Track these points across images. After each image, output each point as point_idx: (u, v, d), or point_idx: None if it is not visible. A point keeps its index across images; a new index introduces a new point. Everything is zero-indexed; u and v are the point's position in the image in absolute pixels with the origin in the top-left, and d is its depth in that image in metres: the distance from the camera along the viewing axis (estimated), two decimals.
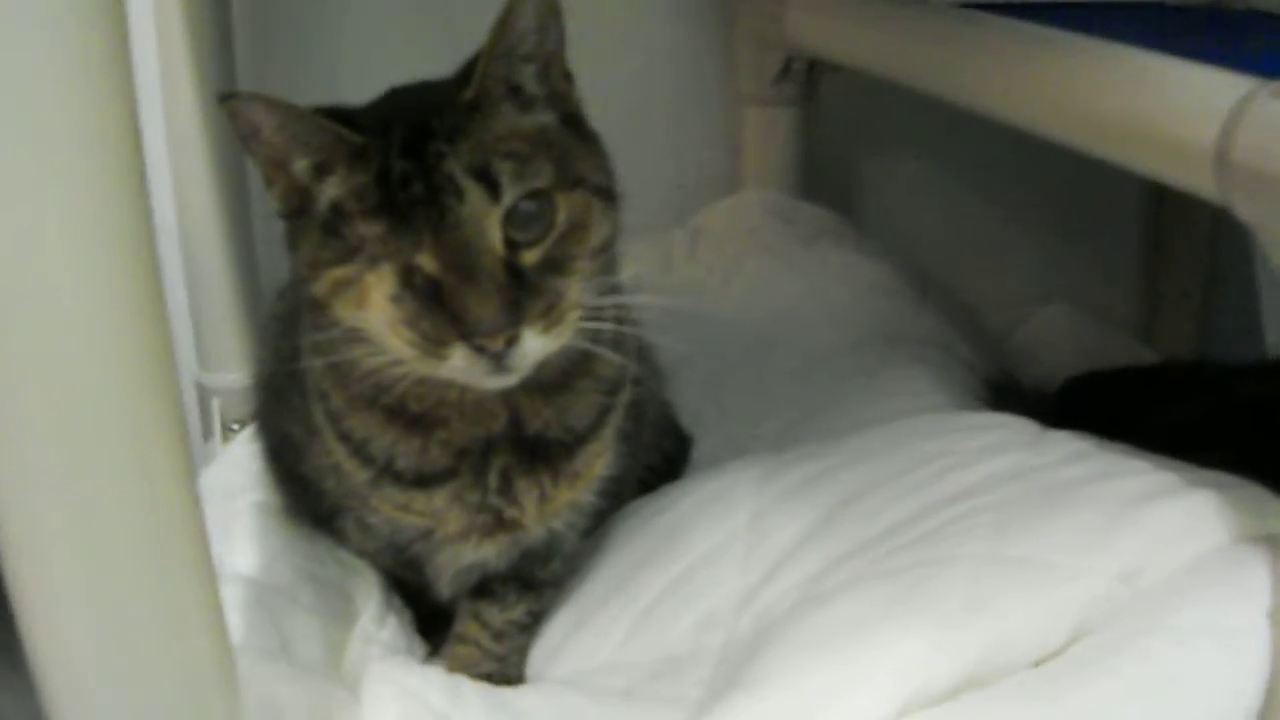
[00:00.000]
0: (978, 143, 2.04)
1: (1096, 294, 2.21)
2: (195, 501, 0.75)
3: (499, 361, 0.94)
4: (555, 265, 0.96)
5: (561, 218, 0.96)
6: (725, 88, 2.00)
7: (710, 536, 1.22)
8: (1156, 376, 1.83)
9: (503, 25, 0.96)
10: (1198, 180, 1.01)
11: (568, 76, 1.03)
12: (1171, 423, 1.48)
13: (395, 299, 0.95)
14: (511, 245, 0.94)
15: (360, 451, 1.09)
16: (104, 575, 0.70)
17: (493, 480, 1.09)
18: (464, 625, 1.23)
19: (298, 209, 1.00)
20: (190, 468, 0.74)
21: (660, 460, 1.42)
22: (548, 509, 1.12)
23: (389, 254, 0.94)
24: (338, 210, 0.96)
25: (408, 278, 0.94)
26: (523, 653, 1.24)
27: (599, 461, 1.15)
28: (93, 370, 0.66)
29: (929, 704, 0.92)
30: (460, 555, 1.15)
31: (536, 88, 1.00)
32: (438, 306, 0.93)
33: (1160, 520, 1.03)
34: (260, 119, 0.96)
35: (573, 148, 1.00)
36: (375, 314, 0.96)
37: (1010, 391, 1.71)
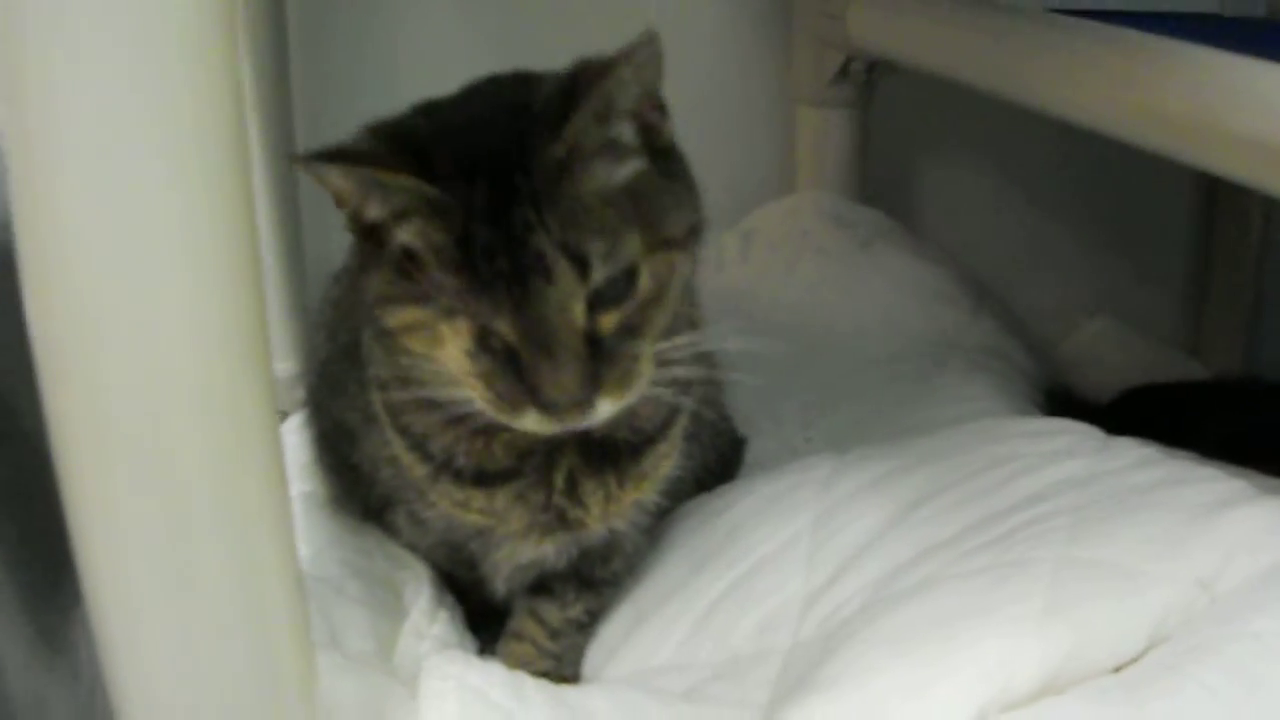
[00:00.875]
0: (1030, 150, 2.03)
1: (1143, 307, 2.20)
2: (284, 497, 0.73)
3: (570, 426, 0.94)
4: (633, 329, 0.94)
5: (644, 285, 0.94)
6: (781, 88, 1.98)
7: (773, 537, 1.21)
8: (1211, 390, 1.82)
9: (603, 77, 0.91)
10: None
11: (662, 108, 0.99)
12: (1227, 435, 1.47)
13: (470, 354, 0.93)
14: (591, 313, 0.92)
15: (419, 447, 1.08)
16: (187, 575, 0.68)
17: (558, 481, 1.08)
18: (520, 622, 1.22)
19: (365, 233, 0.97)
20: (281, 464, 0.73)
21: (716, 460, 1.40)
22: (612, 509, 1.11)
23: (466, 313, 0.92)
24: (411, 255, 0.94)
25: (484, 338, 0.92)
26: (579, 651, 1.23)
27: (666, 462, 1.13)
28: (189, 360, 0.65)
29: (1007, 708, 0.90)
30: (518, 553, 1.14)
31: (632, 138, 0.96)
32: (513, 370, 0.92)
33: (1236, 527, 1.01)
34: (331, 180, 0.94)
35: (662, 196, 0.96)
36: (449, 360, 0.95)
37: (1067, 401, 1.70)
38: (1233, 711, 0.88)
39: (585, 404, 0.92)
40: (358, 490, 1.24)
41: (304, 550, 1.21)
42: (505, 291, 0.89)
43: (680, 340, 1.00)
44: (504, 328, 0.91)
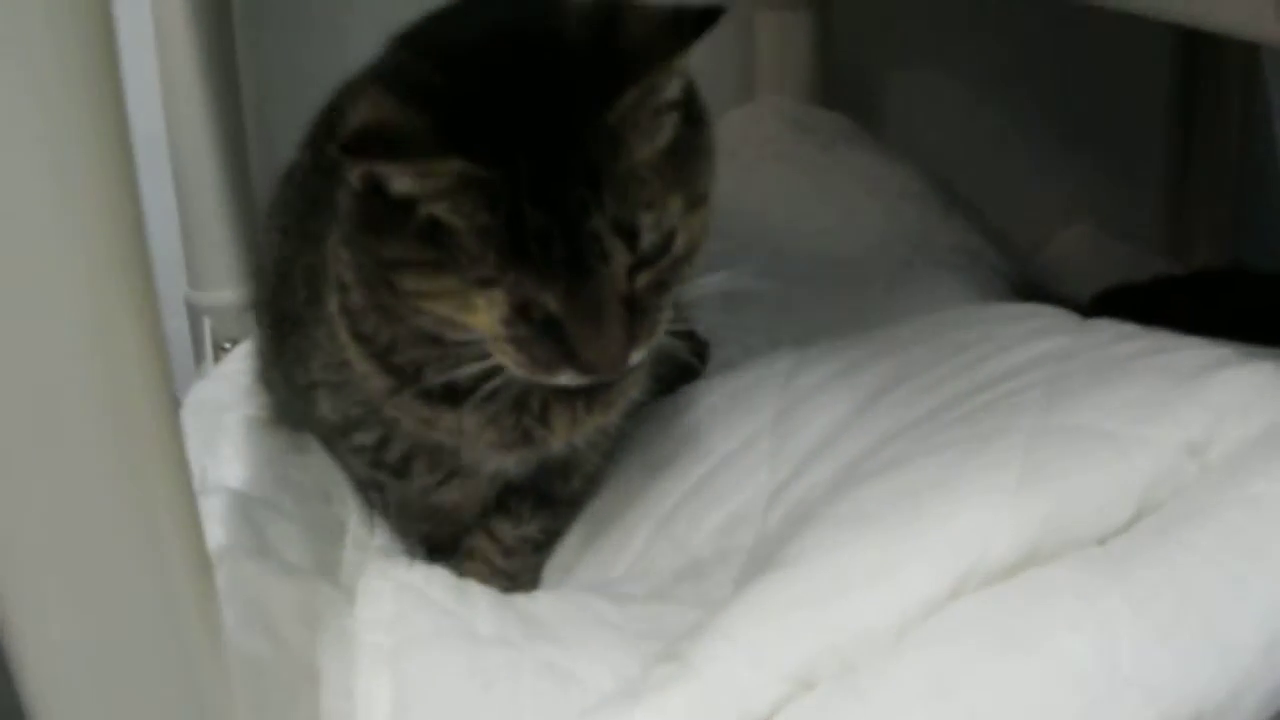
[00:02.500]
0: (999, 52, 1.94)
1: (1122, 212, 2.11)
2: (171, 414, 0.64)
3: (608, 378, 0.93)
4: (664, 285, 0.91)
5: (680, 243, 0.90)
6: None
7: (733, 436, 1.13)
8: (1190, 285, 1.74)
9: (673, 55, 0.86)
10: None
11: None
12: (1208, 325, 1.39)
13: (506, 322, 0.89)
14: (630, 276, 0.89)
15: (381, 357, 1.00)
16: (71, 488, 0.59)
17: (534, 405, 1.02)
18: (474, 540, 1.16)
19: (384, 196, 0.89)
20: (167, 383, 0.63)
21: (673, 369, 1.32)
22: (576, 430, 1.05)
23: (505, 286, 0.87)
24: (442, 226, 0.87)
25: (523, 308, 0.88)
26: (535, 571, 1.17)
27: (634, 389, 1.08)
28: (62, 280, 0.56)
29: (986, 580, 0.82)
30: (484, 463, 1.09)
31: (677, 93, 0.90)
32: (552, 336, 0.89)
33: (1225, 390, 0.93)
34: (383, 172, 0.87)
35: (694, 150, 0.93)
36: (478, 324, 0.89)
37: (1042, 300, 1.62)
38: (1229, 577, 0.81)
39: (624, 361, 0.90)
40: (297, 404, 1.16)
41: (241, 471, 1.15)
42: (558, 271, 0.86)
43: (697, 283, 0.97)
44: (550, 301, 0.87)
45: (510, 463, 1.08)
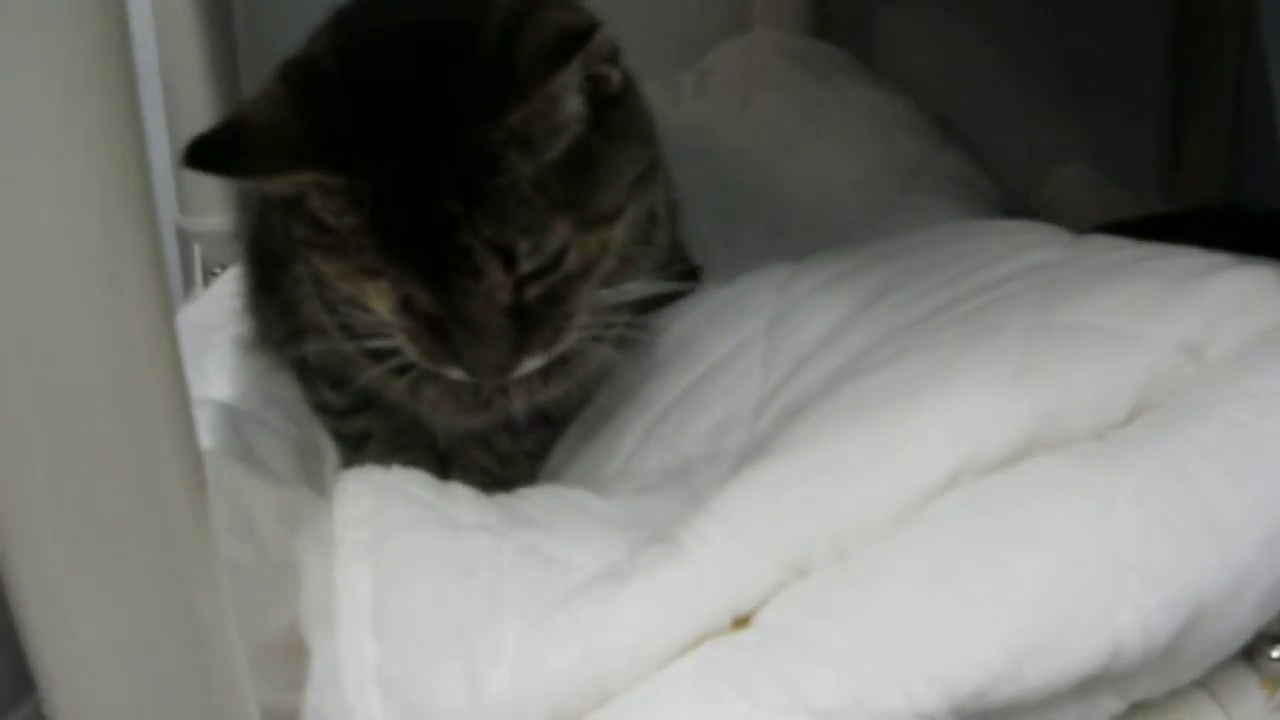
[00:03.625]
0: None
1: (1117, 153, 2.08)
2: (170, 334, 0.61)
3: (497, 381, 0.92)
4: (560, 298, 0.88)
5: (570, 260, 0.87)
6: None
7: (726, 341, 1.10)
8: (1183, 222, 1.71)
9: (556, 69, 0.80)
10: None
11: (612, 56, 0.88)
12: None
13: (396, 312, 0.87)
14: (515, 288, 0.85)
15: (345, 327, 0.98)
16: (64, 400, 0.57)
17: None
18: (469, 452, 1.13)
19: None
20: (166, 302, 0.60)
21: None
22: (536, 396, 1.02)
23: (389, 278, 0.84)
24: (327, 222, 0.85)
25: (408, 303, 0.86)
26: (532, 477, 1.14)
27: (597, 359, 1.03)
28: (62, 206, 0.54)
29: (983, 471, 0.80)
30: (450, 426, 1.08)
31: (579, 108, 0.86)
32: (437, 334, 0.87)
33: (1223, 291, 0.91)
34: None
35: (600, 165, 0.87)
36: (378, 308, 0.88)
37: None
38: (1228, 469, 0.79)
39: (509, 370, 0.88)
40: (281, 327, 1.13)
41: (228, 388, 1.14)
42: (425, 276, 0.83)
43: (628, 286, 0.94)
44: (424, 299, 0.85)
45: (477, 424, 1.06)
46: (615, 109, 0.89)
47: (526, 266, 0.84)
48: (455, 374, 0.89)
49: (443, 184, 0.81)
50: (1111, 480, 0.78)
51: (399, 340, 0.90)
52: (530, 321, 0.87)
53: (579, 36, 0.80)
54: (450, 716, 0.72)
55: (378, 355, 0.95)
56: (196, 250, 1.55)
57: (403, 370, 0.96)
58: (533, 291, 0.86)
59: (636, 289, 0.96)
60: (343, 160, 0.82)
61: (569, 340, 0.90)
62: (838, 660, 0.72)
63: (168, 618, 0.61)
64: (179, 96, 1.49)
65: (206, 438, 0.98)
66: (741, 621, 0.76)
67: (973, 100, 1.93)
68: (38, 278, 0.54)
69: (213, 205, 1.53)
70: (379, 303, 0.87)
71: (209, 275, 1.54)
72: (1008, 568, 0.74)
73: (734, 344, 1.08)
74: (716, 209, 1.49)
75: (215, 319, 1.25)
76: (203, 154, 0.82)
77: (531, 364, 0.89)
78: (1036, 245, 1.07)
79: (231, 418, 1.04)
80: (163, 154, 1.49)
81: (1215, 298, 0.90)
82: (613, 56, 0.87)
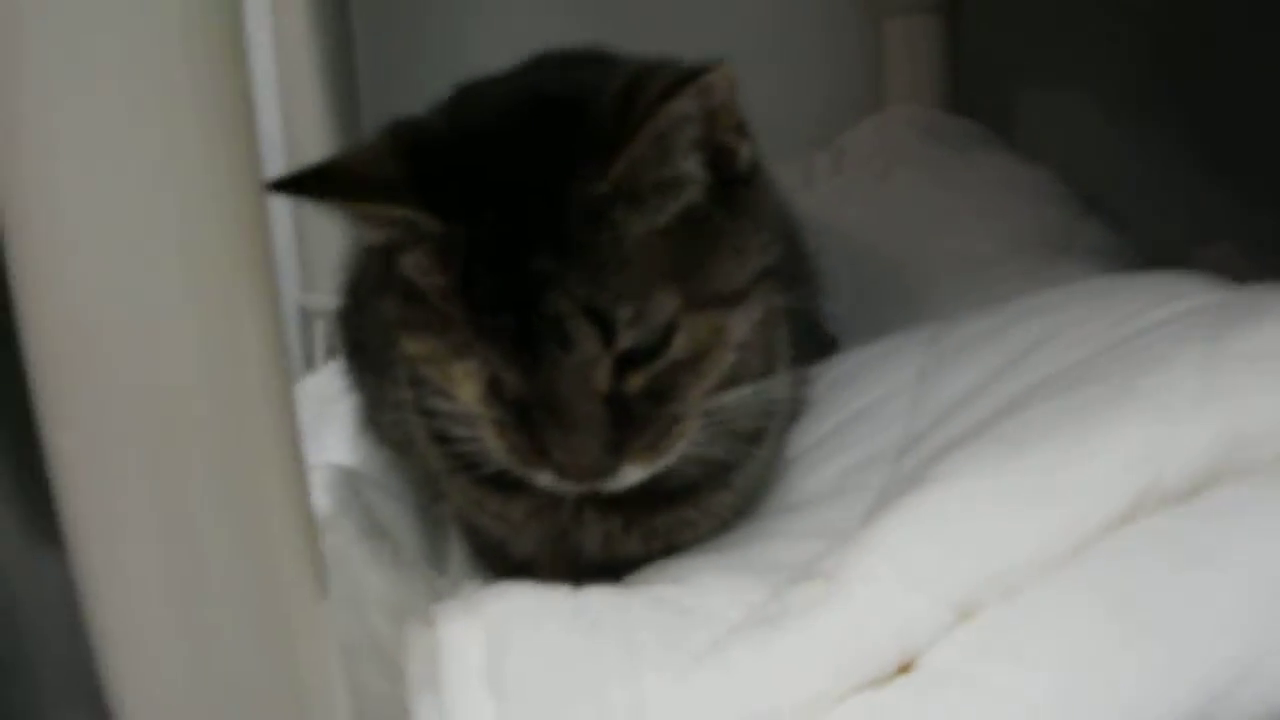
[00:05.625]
0: (1136, 67, 1.83)
1: (1261, 236, 1.98)
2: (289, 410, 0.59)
3: (591, 489, 0.79)
4: (664, 392, 0.78)
5: (680, 342, 0.77)
6: None
7: (869, 393, 1.03)
8: None
9: (662, 103, 0.72)
10: None
11: (740, 128, 0.79)
12: None
13: (484, 400, 0.79)
14: (615, 372, 0.76)
15: (438, 435, 0.91)
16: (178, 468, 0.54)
17: (568, 504, 0.89)
18: None
19: (378, 250, 0.81)
20: (286, 387, 0.59)
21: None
22: (614, 549, 0.91)
23: (477, 357, 0.77)
24: (416, 289, 0.78)
25: (495, 386, 0.78)
26: None
27: (689, 531, 0.92)
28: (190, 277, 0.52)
29: (1164, 500, 0.71)
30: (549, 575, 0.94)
31: (697, 171, 0.78)
32: (527, 426, 0.77)
33: None
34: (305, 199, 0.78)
35: (719, 240, 0.79)
36: (465, 397, 0.79)
37: None
38: None
39: (604, 473, 0.77)
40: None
41: (349, 454, 1.13)
42: (516, 350, 0.74)
43: (744, 391, 0.83)
44: (512, 382, 0.76)
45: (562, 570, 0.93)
46: (747, 186, 0.81)
47: (626, 340, 0.74)
48: (544, 479, 0.79)
49: (539, 239, 0.73)
50: None
51: (486, 436, 0.80)
52: (631, 419, 0.77)
53: (693, 73, 0.72)
54: None
55: (465, 464, 0.88)
56: (319, 329, 1.52)
57: (499, 485, 0.88)
58: (635, 382, 0.77)
59: (747, 394, 0.85)
60: (438, 204, 0.75)
61: (676, 449, 0.79)
62: (1014, 704, 0.63)
63: (273, 691, 0.57)
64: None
65: (323, 499, 0.94)
66: (905, 668, 0.68)
67: (1114, 178, 1.85)
68: (161, 349, 0.52)
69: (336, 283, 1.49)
70: (466, 388, 0.79)
71: (331, 355, 1.50)
72: (1196, 595, 0.65)
73: (878, 395, 1.01)
74: (854, 286, 1.42)
75: (336, 390, 1.21)
76: (291, 181, 0.75)
77: (632, 474, 0.78)
78: (1195, 291, 0.98)
79: (350, 480, 1.00)
80: (285, 231, 1.49)
81: None
82: (740, 127, 0.79)
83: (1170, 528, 0.70)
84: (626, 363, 0.76)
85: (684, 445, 0.80)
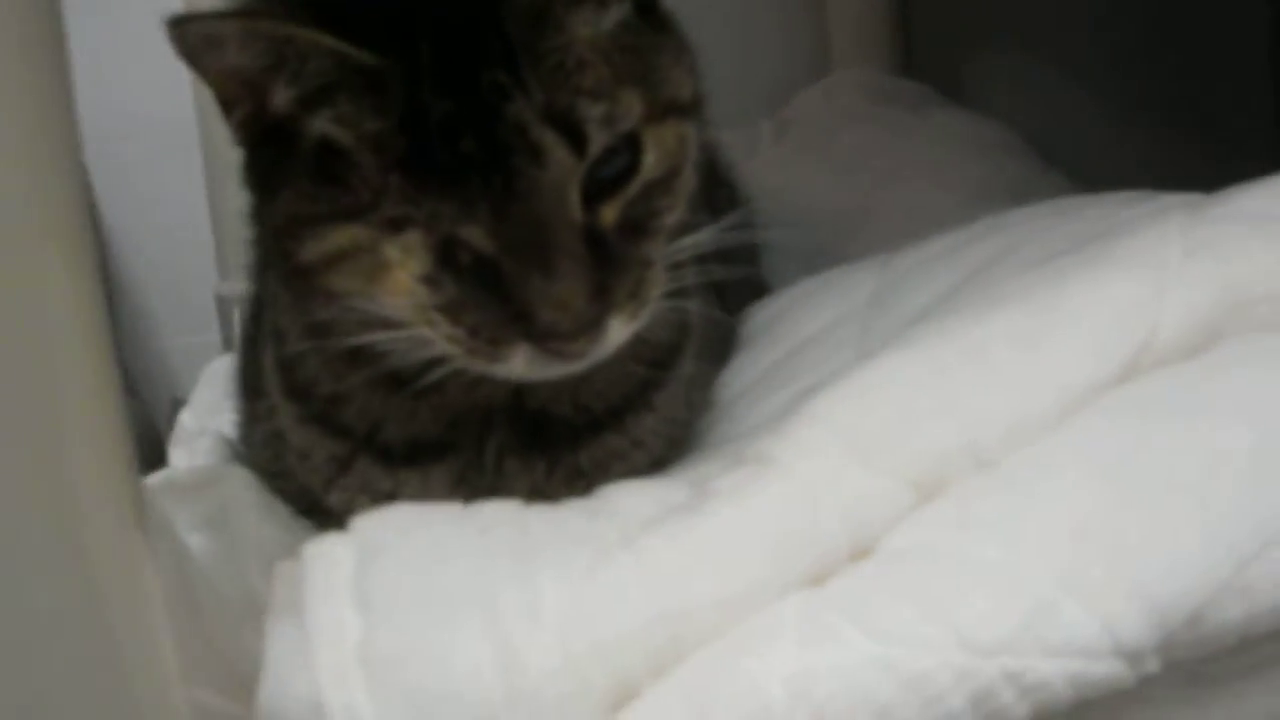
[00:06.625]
0: (1087, 31, 1.74)
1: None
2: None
3: (574, 358, 0.68)
4: (639, 224, 0.70)
5: (649, 160, 0.69)
6: None
7: (816, 320, 0.92)
8: None
9: None
10: None
11: None
12: None
13: (429, 280, 0.67)
14: (588, 205, 0.67)
15: (326, 418, 0.80)
16: None
17: (488, 459, 0.80)
18: None
19: (266, 137, 0.70)
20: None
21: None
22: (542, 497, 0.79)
23: (420, 221, 0.66)
24: (336, 151, 0.66)
25: (448, 254, 0.67)
26: None
27: (619, 464, 0.82)
28: None
29: (1161, 360, 0.62)
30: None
31: None
32: (492, 294, 0.67)
33: None
34: (223, 34, 0.66)
35: (656, 51, 0.72)
36: (397, 295, 0.67)
37: None
38: None
39: (594, 326, 0.67)
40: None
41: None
42: (476, 184, 0.64)
43: (696, 238, 0.74)
44: (477, 235, 0.65)
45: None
46: (655, 9, 0.74)
47: (597, 145, 0.66)
48: (519, 361, 0.67)
49: (486, 52, 0.65)
50: None
51: (433, 332, 0.69)
52: (610, 261, 0.68)
53: None
54: (474, 700, 0.53)
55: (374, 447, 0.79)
56: (237, 317, 1.41)
57: (413, 456, 0.79)
58: (609, 214, 0.68)
59: (708, 236, 0.76)
60: (364, 38, 0.65)
61: (654, 298, 0.70)
62: (997, 576, 0.52)
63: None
64: (217, 161, 1.36)
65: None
66: (862, 555, 0.57)
67: (1071, 141, 1.76)
68: None
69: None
70: (402, 275, 0.67)
71: None
72: (1212, 446, 0.54)
73: (826, 320, 0.91)
74: (804, 253, 1.32)
75: None
76: (213, 13, 0.66)
77: (617, 331, 0.68)
78: (1166, 197, 0.88)
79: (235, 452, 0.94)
80: (202, 218, 1.40)
81: None
82: None
83: (1170, 382, 0.60)
84: (598, 193, 0.68)
85: (659, 291, 0.71)
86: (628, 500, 0.62)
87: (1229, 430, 0.55)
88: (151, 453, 1.16)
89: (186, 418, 1.16)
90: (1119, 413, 0.58)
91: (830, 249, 1.32)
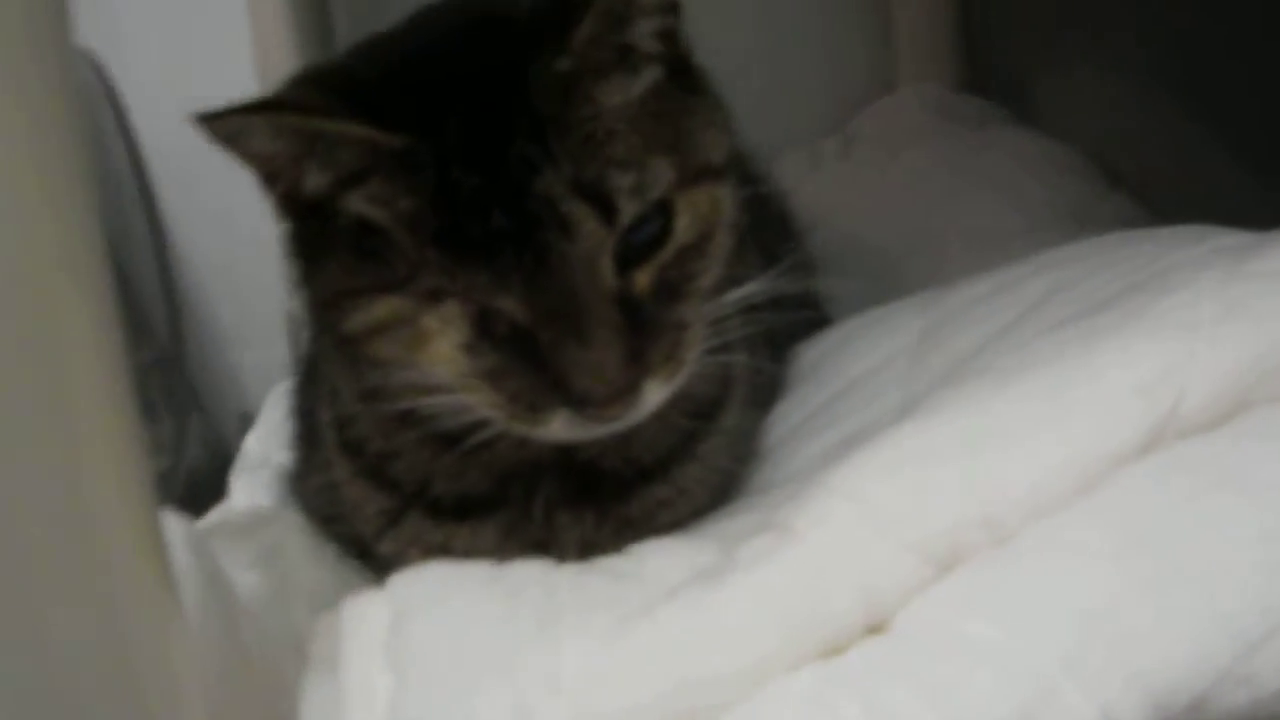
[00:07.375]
0: (1154, 50, 1.71)
1: None
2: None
3: (610, 422, 0.68)
4: (674, 288, 0.70)
5: (682, 225, 0.70)
6: None
7: (869, 357, 0.92)
8: None
9: None
10: None
11: (674, 7, 0.73)
12: None
13: (468, 348, 0.69)
14: (620, 271, 0.68)
15: (377, 473, 0.81)
16: None
17: (537, 512, 0.81)
18: None
19: (307, 211, 0.71)
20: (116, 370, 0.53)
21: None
22: (591, 552, 0.80)
23: (457, 293, 0.67)
24: (373, 227, 0.68)
25: (486, 323, 0.68)
26: None
27: (665, 513, 0.82)
28: None
29: (1186, 430, 0.61)
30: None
31: (652, 43, 0.72)
32: (529, 361, 0.67)
33: None
34: (254, 142, 0.68)
35: (688, 114, 0.72)
36: (439, 363, 0.69)
37: None
38: None
39: (630, 391, 0.67)
40: None
41: None
42: (508, 256, 0.65)
43: (740, 293, 0.74)
44: (511, 305, 0.66)
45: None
46: (688, 70, 0.74)
47: (628, 214, 0.66)
48: (558, 425, 0.68)
49: (514, 127, 0.65)
50: None
51: (473, 397, 0.70)
52: (644, 327, 0.68)
53: None
54: None
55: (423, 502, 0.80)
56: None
57: (461, 511, 0.80)
58: (642, 281, 0.68)
59: (755, 289, 0.76)
60: (393, 120, 0.66)
61: (691, 360, 0.70)
62: (1000, 658, 0.52)
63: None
64: None
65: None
66: (876, 630, 0.57)
67: (1137, 161, 1.74)
68: None
69: None
70: (442, 345, 0.69)
71: None
72: (1223, 527, 0.54)
73: (873, 362, 0.90)
74: (862, 268, 1.31)
75: None
76: (243, 107, 0.66)
77: (653, 394, 0.68)
78: (1218, 235, 0.87)
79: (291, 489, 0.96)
80: (273, 237, 1.41)
81: None
82: (673, 6, 0.73)
83: (1190, 455, 0.59)
84: (630, 259, 0.68)
85: (696, 352, 0.71)
86: (656, 561, 0.63)
87: (1244, 514, 0.54)
88: (217, 467, 1.18)
89: (252, 442, 1.17)
90: (1135, 491, 0.58)
91: (889, 268, 1.32)
